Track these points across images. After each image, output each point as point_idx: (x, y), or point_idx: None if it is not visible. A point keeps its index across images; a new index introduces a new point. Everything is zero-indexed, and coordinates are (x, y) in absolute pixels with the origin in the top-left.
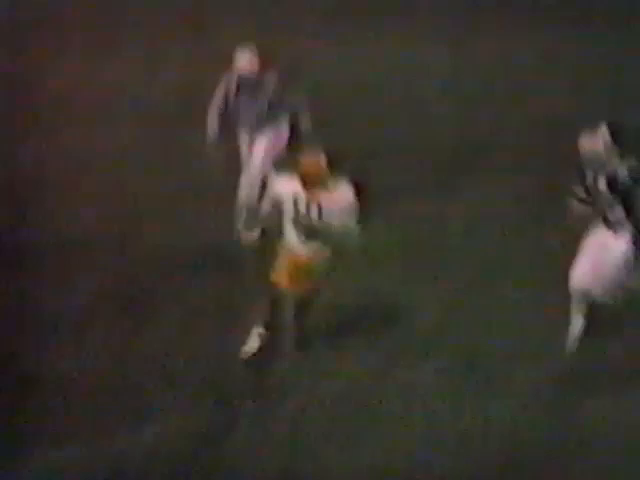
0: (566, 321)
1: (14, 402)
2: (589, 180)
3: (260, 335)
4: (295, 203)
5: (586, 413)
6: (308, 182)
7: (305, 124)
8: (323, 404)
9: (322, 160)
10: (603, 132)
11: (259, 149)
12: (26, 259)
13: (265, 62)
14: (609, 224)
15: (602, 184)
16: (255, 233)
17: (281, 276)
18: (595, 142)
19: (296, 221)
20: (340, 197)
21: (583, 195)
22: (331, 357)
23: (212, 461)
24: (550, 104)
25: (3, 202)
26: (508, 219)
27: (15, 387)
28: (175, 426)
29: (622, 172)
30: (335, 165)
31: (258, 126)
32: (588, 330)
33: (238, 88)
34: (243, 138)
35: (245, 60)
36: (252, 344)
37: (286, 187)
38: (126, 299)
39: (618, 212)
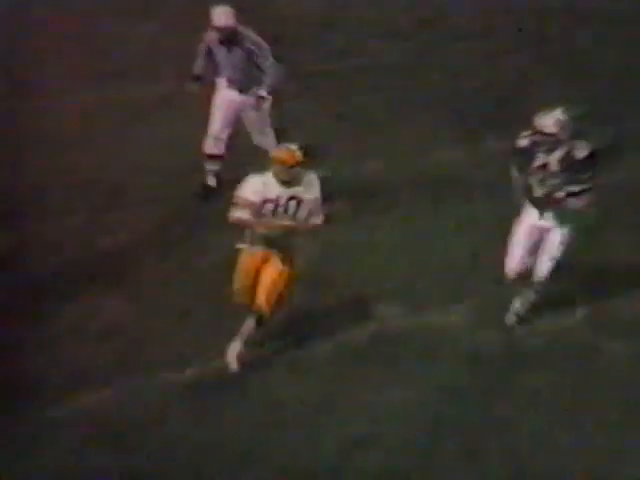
0: None
1: (65, 343)
2: (540, 158)
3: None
4: (276, 205)
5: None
6: (283, 176)
7: (270, 79)
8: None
9: (297, 153)
10: (558, 112)
11: (251, 114)
12: (58, 205)
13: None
14: (539, 204)
15: (554, 163)
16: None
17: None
18: (546, 119)
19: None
20: (312, 188)
21: (517, 173)
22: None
23: (244, 397)
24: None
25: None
26: None
27: (63, 331)
28: (214, 367)
29: (579, 152)
30: (310, 155)
31: (243, 83)
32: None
33: (220, 43)
34: (225, 89)
35: (221, 15)
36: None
37: (268, 191)
38: (164, 243)
39: (562, 190)
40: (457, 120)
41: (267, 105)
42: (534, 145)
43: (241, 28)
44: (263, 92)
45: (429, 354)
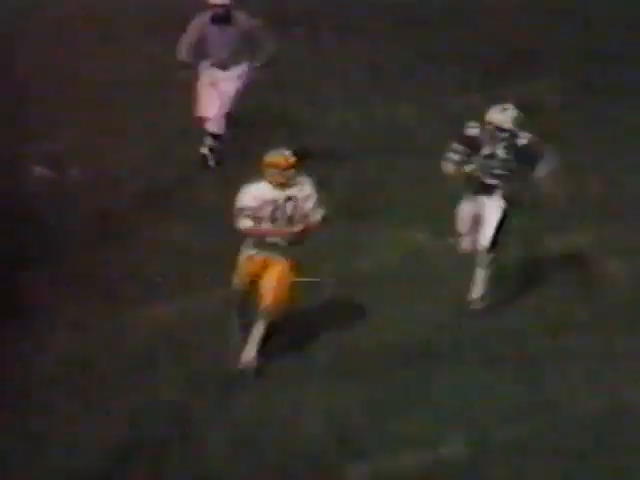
0: None
1: (139, 261)
2: (487, 148)
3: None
4: (274, 207)
5: None
6: (278, 179)
7: (267, 49)
8: None
9: (289, 156)
10: (509, 107)
11: (229, 85)
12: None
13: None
14: (485, 189)
15: (500, 151)
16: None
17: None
18: (502, 115)
19: (275, 222)
20: (305, 187)
21: (458, 157)
22: None
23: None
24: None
25: None
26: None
27: (140, 251)
28: (216, 297)
29: (521, 140)
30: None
31: (227, 61)
32: None
33: (213, 23)
34: (208, 70)
35: None
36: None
37: (265, 195)
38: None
39: (505, 177)
40: (481, 69)
41: (240, 84)
42: (481, 136)
43: (235, 12)
44: (261, 60)
45: (454, 274)
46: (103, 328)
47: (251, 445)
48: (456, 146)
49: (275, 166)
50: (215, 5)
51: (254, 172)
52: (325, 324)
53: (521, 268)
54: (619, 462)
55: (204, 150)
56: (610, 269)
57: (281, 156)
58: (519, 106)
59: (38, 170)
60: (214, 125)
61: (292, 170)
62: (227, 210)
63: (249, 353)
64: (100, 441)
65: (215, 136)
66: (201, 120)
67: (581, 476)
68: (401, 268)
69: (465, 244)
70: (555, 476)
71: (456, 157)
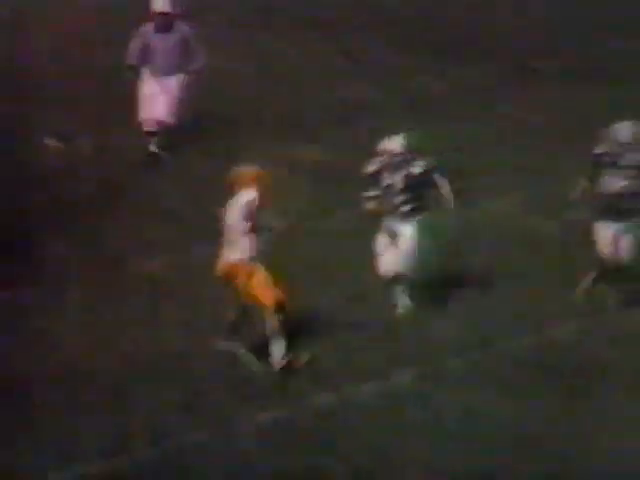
0: None
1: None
2: (387, 179)
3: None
4: (251, 208)
5: None
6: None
7: (199, 60)
8: None
9: (257, 169)
10: (400, 136)
11: (169, 98)
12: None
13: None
14: (400, 215)
15: (398, 181)
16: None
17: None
18: (392, 142)
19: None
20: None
21: (373, 194)
22: None
23: None
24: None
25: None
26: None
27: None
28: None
29: (415, 169)
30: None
31: (168, 69)
32: None
33: (157, 31)
34: (149, 77)
35: (159, 1)
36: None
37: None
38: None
39: (408, 204)
40: (435, 54)
41: (179, 87)
42: (381, 168)
43: (176, 21)
44: (196, 66)
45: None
46: (110, 279)
47: (240, 371)
48: (369, 184)
49: (246, 179)
50: (158, 13)
51: (242, 147)
52: (295, 279)
53: (460, 228)
54: (547, 385)
55: (153, 148)
56: (542, 226)
57: (249, 170)
58: (471, 88)
59: (52, 142)
60: (157, 125)
61: (263, 183)
62: (216, 179)
63: (279, 352)
64: (106, 368)
65: (152, 133)
66: (145, 122)
67: (513, 394)
68: (361, 225)
69: (384, 268)
70: (491, 401)
71: (372, 194)
